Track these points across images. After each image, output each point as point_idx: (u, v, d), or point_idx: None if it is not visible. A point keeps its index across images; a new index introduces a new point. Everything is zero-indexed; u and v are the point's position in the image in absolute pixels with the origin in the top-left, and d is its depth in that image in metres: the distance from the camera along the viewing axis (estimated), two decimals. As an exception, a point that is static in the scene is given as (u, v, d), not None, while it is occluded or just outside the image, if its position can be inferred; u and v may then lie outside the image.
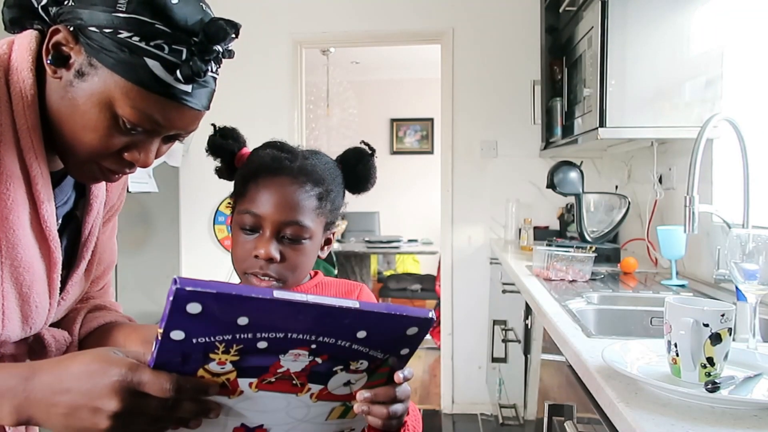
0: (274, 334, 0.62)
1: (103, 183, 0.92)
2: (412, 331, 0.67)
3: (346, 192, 1.04)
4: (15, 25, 0.80)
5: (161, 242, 3.37)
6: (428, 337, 4.71)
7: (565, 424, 1.14)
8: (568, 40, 2.53)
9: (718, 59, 1.88)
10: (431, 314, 0.67)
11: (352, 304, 0.63)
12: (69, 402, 0.64)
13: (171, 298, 0.57)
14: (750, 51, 1.87)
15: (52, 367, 0.67)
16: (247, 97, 3.39)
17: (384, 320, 0.65)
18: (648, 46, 1.94)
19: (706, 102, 1.89)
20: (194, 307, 0.58)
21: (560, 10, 2.61)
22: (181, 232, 3.58)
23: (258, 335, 0.62)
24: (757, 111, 1.85)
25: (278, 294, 0.60)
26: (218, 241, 3.54)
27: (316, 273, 1.06)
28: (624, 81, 1.95)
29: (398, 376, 0.72)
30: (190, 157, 3.41)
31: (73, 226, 0.90)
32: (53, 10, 0.76)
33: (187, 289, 0.57)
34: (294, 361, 0.66)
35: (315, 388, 0.69)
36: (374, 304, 0.65)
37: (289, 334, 0.63)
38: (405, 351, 0.70)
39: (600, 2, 1.94)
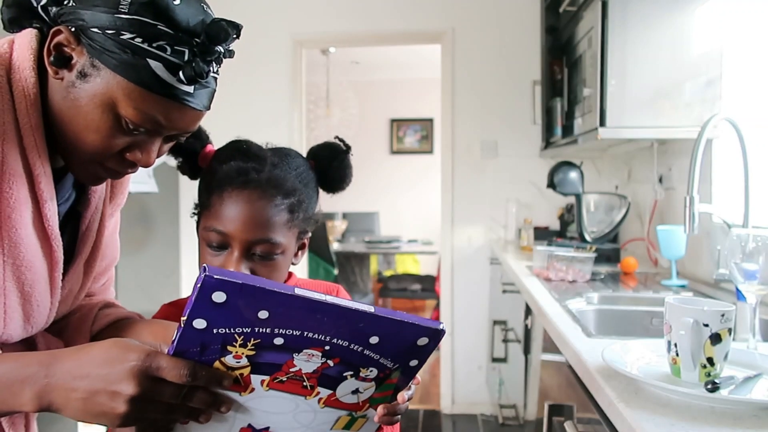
0: (291, 331, 0.64)
1: None
2: (423, 341, 0.68)
3: (324, 191, 0.99)
4: (14, 25, 0.80)
5: (161, 242, 3.37)
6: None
7: (565, 424, 1.14)
8: (568, 40, 2.53)
9: (718, 59, 1.88)
10: (442, 326, 0.68)
11: (368, 308, 0.64)
12: (88, 387, 0.64)
13: (198, 286, 0.59)
14: (750, 51, 1.87)
15: (72, 354, 0.67)
16: (247, 97, 3.39)
17: (396, 327, 0.66)
18: (648, 46, 1.94)
19: (706, 102, 1.89)
20: (219, 296, 0.60)
21: (560, 10, 2.61)
22: (181, 232, 3.57)
23: (276, 331, 0.63)
24: (757, 111, 1.85)
25: (299, 291, 0.61)
26: (218, 241, 3.55)
27: (290, 275, 1.02)
28: (624, 81, 1.95)
29: (402, 396, 0.73)
30: (190, 157, 3.41)
31: (74, 223, 0.90)
32: (53, 10, 0.77)
33: (215, 277, 0.58)
34: (307, 361, 0.67)
35: (324, 392, 0.70)
36: (389, 310, 0.66)
37: (305, 333, 0.64)
38: (414, 362, 0.70)
39: (600, 2, 1.94)
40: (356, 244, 5.33)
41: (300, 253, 0.97)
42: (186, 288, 3.60)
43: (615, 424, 0.85)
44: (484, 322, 3.35)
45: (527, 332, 2.01)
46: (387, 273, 5.86)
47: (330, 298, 0.62)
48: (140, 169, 0.85)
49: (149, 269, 3.22)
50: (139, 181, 2.84)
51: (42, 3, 0.77)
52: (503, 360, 2.62)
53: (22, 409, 0.67)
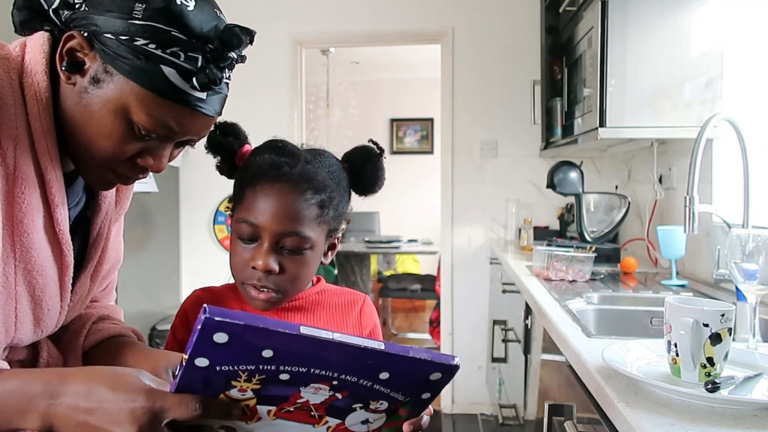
0: (297, 368, 0.62)
1: None
2: (436, 376, 0.66)
3: (353, 193, 1.00)
4: (25, 28, 0.80)
5: (161, 242, 3.37)
6: (428, 336, 4.69)
7: (565, 424, 1.14)
8: (568, 40, 2.53)
9: (718, 59, 1.87)
10: (456, 360, 0.66)
11: (378, 345, 0.62)
12: (90, 421, 0.64)
13: (199, 327, 0.57)
14: (750, 51, 1.87)
15: (79, 379, 0.67)
16: (247, 97, 3.39)
17: (408, 363, 0.64)
18: (648, 46, 1.94)
19: (706, 102, 1.89)
20: (221, 337, 0.58)
21: (560, 10, 2.61)
22: (181, 232, 3.58)
23: (281, 368, 0.62)
24: (757, 111, 1.85)
25: (305, 330, 0.60)
26: (218, 241, 3.54)
27: (318, 279, 1.03)
28: (624, 81, 1.95)
29: (407, 427, 0.72)
30: (190, 157, 3.41)
31: (83, 228, 0.90)
32: (65, 13, 0.76)
33: (216, 318, 0.57)
34: (314, 394, 0.66)
35: (332, 422, 0.69)
36: (399, 346, 0.64)
37: (312, 370, 0.63)
38: (426, 395, 0.69)
39: (600, 2, 1.94)
40: (356, 244, 5.32)
41: (330, 252, 0.98)
42: (186, 288, 3.60)
43: (615, 424, 0.85)
44: (484, 322, 3.35)
45: (527, 332, 2.01)
46: (387, 273, 5.86)
47: (337, 336, 0.60)
48: None
49: (149, 269, 3.22)
50: (139, 181, 2.83)
51: (53, 6, 0.77)
52: (503, 360, 2.62)
53: (26, 427, 0.67)
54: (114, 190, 0.94)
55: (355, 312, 1.01)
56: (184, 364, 0.61)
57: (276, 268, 0.88)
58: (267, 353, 0.60)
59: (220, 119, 0.95)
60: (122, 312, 1.05)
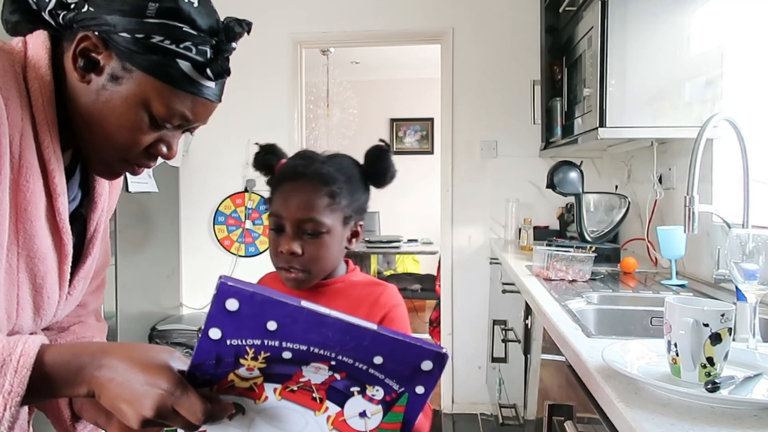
0: (297, 346, 0.67)
1: (106, 182, 0.95)
2: (427, 365, 0.69)
3: (374, 187, 1.17)
4: (18, 29, 0.82)
5: (161, 242, 3.36)
6: (428, 337, 4.70)
7: (565, 424, 1.14)
8: (568, 40, 2.53)
9: (718, 59, 1.88)
10: (445, 350, 0.69)
11: (370, 325, 0.67)
12: (121, 395, 0.68)
13: (215, 293, 0.63)
14: (750, 51, 1.87)
15: (117, 356, 0.69)
16: (246, 97, 3.39)
17: (398, 347, 0.68)
18: (648, 46, 1.94)
19: (706, 102, 1.89)
20: (233, 304, 0.64)
21: (560, 10, 2.61)
22: (181, 232, 3.57)
23: (284, 344, 0.66)
24: (757, 111, 1.85)
25: (306, 304, 0.65)
26: (218, 241, 3.54)
27: (354, 267, 1.19)
28: (624, 81, 1.95)
29: None
30: (190, 157, 3.40)
31: (79, 224, 0.92)
32: (64, 14, 0.78)
33: (229, 284, 0.63)
34: (315, 373, 0.70)
35: (332, 409, 0.72)
36: (391, 330, 0.68)
37: (312, 348, 0.67)
38: (420, 389, 0.71)
39: (600, 2, 1.94)
40: (356, 244, 5.32)
41: (354, 240, 1.15)
42: (186, 288, 3.60)
43: (615, 424, 0.85)
44: (484, 322, 3.35)
45: (527, 332, 2.01)
46: (387, 273, 5.86)
47: (335, 313, 0.65)
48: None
49: (149, 269, 3.22)
50: (139, 181, 2.84)
51: (49, 8, 0.79)
52: (503, 360, 2.62)
53: (76, 394, 0.71)
54: (108, 189, 0.96)
55: (373, 298, 1.15)
56: (200, 336, 0.66)
57: (298, 250, 1.05)
58: (271, 325, 0.65)
59: (261, 142, 1.17)
60: (106, 329, 1.09)
